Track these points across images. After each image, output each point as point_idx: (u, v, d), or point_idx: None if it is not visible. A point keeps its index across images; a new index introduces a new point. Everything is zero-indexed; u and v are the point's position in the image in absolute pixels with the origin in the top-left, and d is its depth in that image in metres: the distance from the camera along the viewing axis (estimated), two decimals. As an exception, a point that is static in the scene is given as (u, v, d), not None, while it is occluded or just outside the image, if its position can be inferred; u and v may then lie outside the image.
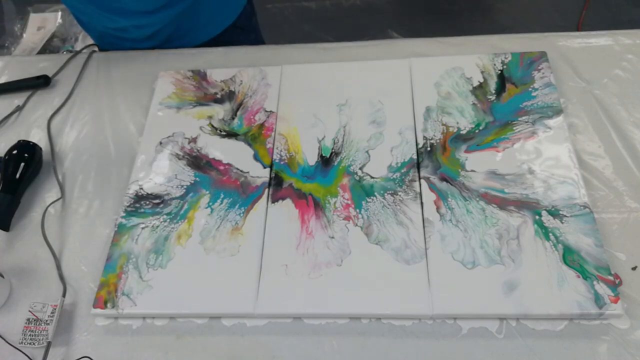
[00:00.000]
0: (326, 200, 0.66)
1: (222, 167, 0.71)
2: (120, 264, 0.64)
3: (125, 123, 0.81)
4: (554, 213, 0.61)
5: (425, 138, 0.69)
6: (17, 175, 0.73)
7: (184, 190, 0.70)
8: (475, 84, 0.74)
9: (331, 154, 0.70)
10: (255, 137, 0.74)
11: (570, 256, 0.57)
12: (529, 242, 0.59)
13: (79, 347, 0.60)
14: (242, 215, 0.66)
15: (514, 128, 0.68)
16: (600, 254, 0.57)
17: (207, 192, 0.69)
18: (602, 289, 0.55)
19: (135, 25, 0.88)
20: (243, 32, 0.99)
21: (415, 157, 0.68)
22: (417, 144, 0.69)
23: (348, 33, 1.96)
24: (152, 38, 0.91)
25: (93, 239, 0.69)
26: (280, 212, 0.66)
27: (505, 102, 0.71)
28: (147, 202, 0.69)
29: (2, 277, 0.65)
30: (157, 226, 0.67)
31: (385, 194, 0.65)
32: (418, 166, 0.67)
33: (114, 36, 0.92)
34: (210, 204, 0.68)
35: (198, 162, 0.72)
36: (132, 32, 0.90)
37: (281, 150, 0.72)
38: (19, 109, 0.86)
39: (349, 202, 0.65)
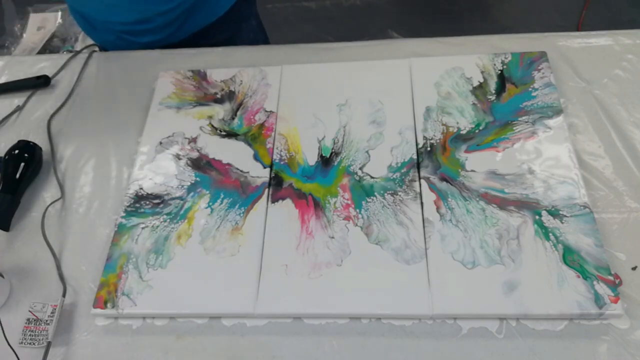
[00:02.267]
0: (326, 200, 0.66)
1: (222, 167, 0.71)
2: (120, 264, 0.64)
3: (125, 123, 0.81)
4: (554, 213, 0.61)
5: (425, 138, 0.69)
6: (17, 175, 0.73)
7: (184, 190, 0.70)
8: (475, 84, 0.74)
9: (331, 154, 0.70)
10: (255, 137, 0.74)
11: (570, 256, 0.57)
12: (529, 242, 0.59)
13: (79, 347, 0.60)
14: (242, 215, 0.66)
15: (514, 128, 0.68)
16: (600, 254, 0.57)
17: (207, 192, 0.69)
18: (602, 289, 0.55)
19: (160, 12, 0.88)
20: (247, 3, 0.99)
21: (415, 157, 0.68)
22: (417, 144, 0.69)
23: (348, 33, 1.96)
24: (172, 24, 0.90)
25: (93, 239, 0.69)
26: (280, 212, 0.66)
27: (505, 102, 0.71)
28: (147, 202, 0.69)
29: (2, 277, 0.65)
30: (157, 226, 0.67)
31: (385, 194, 0.65)
32: (418, 166, 0.67)
33: (134, 32, 0.92)
34: (210, 204, 0.68)
35: (198, 162, 0.72)
36: (156, 20, 0.89)
37: (281, 150, 0.72)
38: (19, 109, 0.86)
39: (349, 202, 0.65)
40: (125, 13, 0.89)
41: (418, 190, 0.65)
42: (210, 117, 0.77)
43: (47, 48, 1.38)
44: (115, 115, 0.82)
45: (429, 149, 0.68)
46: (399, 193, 0.65)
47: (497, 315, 0.56)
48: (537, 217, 0.61)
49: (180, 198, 0.69)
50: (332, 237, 0.63)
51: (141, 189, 0.71)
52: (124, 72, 0.88)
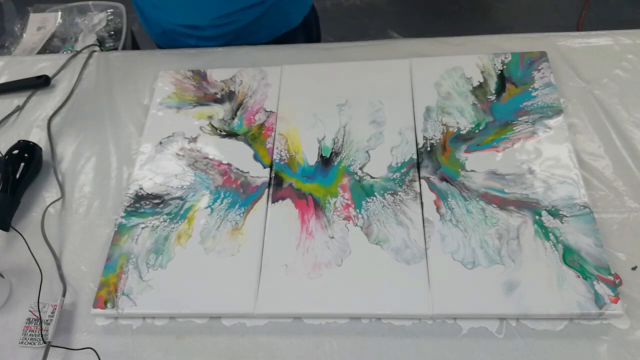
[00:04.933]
0: (326, 200, 0.66)
1: (222, 167, 0.71)
2: (120, 264, 0.64)
3: (125, 123, 0.81)
4: (554, 213, 0.61)
5: (425, 138, 0.69)
6: (17, 175, 0.73)
7: (184, 190, 0.70)
8: (475, 84, 0.74)
9: (331, 154, 0.70)
10: (255, 137, 0.74)
11: (570, 256, 0.57)
12: (529, 242, 0.59)
13: (79, 347, 0.60)
14: (242, 215, 0.66)
15: (514, 128, 0.68)
16: (600, 254, 0.57)
17: (207, 192, 0.69)
18: (602, 289, 0.55)
19: (211, 24, 0.87)
20: (305, 28, 0.98)
21: (415, 157, 0.68)
22: (417, 144, 0.69)
23: (348, 33, 1.96)
24: (220, 38, 0.90)
25: (93, 239, 0.69)
26: (280, 212, 0.66)
27: (505, 102, 0.71)
28: (147, 202, 0.69)
29: (2, 277, 0.65)
30: (157, 226, 0.67)
31: (385, 194, 0.65)
32: (418, 166, 0.67)
33: (181, 33, 0.91)
34: (210, 204, 0.68)
35: (198, 162, 0.72)
36: (205, 31, 0.89)
37: (281, 150, 0.72)
38: (19, 109, 0.86)
39: (349, 202, 0.65)
40: (174, 14, 0.88)
41: (418, 190, 0.65)
42: (210, 117, 0.77)
43: (47, 48, 1.38)
44: (115, 116, 0.82)
45: (429, 149, 0.68)
46: (399, 193, 0.65)
47: (497, 315, 0.56)
48: (537, 217, 0.61)
49: (180, 198, 0.69)
50: (332, 237, 0.63)
51: (141, 189, 0.71)
52: (124, 72, 0.88)
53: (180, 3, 0.85)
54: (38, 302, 0.61)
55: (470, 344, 0.56)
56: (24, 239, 0.68)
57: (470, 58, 0.76)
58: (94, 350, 0.58)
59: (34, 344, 0.60)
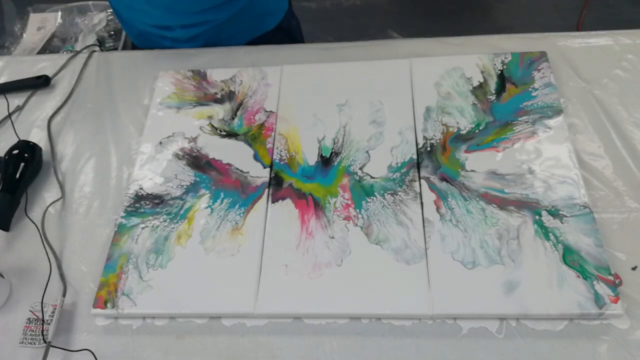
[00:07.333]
0: (326, 200, 0.66)
1: (222, 167, 0.71)
2: (120, 264, 0.64)
3: (125, 123, 0.81)
4: (554, 213, 0.61)
5: (425, 138, 0.69)
6: (17, 175, 0.73)
7: (184, 190, 0.70)
8: (475, 84, 0.74)
9: (331, 154, 0.70)
10: (255, 137, 0.74)
11: (570, 256, 0.57)
12: (529, 242, 0.59)
13: (78, 347, 0.60)
14: (242, 215, 0.66)
15: (514, 128, 0.68)
16: (600, 254, 0.57)
17: (207, 192, 0.69)
18: (602, 289, 0.55)
19: (181, 24, 0.87)
20: (285, 34, 0.98)
21: (415, 157, 0.68)
22: (417, 144, 0.69)
23: (348, 33, 1.96)
24: (194, 40, 0.90)
25: (93, 239, 0.69)
26: (280, 212, 0.66)
27: (505, 102, 0.71)
28: (147, 202, 0.69)
29: (2, 277, 0.65)
30: (157, 226, 0.67)
31: (385, 194, 0.65)
32: (418, 166, 0.67)
33: (155, 34, 0.91)
34: (210, 204, 0.68)
35: (198, 162, 0.72)
36: (176, 32, 0.89)
37: (281, 150, 0.72)
38: (19, 109, 0.86)
39: (349, 202, 0.65)
40: (144, 16, 0.88)
41: (418, 190, 0.65)
42: (210, 117, 0.77)
43: (47, 48, 1.38)
44: (115, 115, 0.82)
45: (429, 149, 0.68)
46: (399, 193, 0.65)
47: (497, 315, 0.56)
48: (537, 217, 0.61)
49: (180, 198, 0.69)
50: (332, 237, 0.63)
51: (141, 188, 0.71)
52: (124, 72, 0.88)
53: (150, 2, 0.85)
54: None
55: (470, 344, 0.56)
56: (39, 229, 0.68)
57: (470, 58, 0.76)
58: (92, 352, 0.58)
59: (34, 343, 0.60)
